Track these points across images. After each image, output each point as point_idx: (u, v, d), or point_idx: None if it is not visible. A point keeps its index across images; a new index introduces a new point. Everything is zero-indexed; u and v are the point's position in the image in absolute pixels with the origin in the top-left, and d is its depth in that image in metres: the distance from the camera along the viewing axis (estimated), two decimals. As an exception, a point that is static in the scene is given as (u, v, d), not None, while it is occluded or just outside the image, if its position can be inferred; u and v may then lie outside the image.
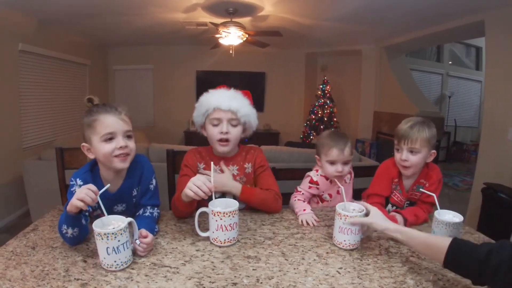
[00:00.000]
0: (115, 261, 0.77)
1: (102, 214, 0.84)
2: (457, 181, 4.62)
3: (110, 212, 0.85)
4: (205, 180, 0.95)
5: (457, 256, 0.71)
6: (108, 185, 0.90)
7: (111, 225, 0.81)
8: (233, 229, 0.92)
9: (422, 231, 0.84)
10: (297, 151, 2.58)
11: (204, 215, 0.96)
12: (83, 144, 0.98)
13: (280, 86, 5.65)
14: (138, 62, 5.36)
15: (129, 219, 0.83)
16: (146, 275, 0.77)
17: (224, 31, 3.20)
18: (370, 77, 4.86)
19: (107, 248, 0.76)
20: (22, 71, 3.08)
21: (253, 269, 0.81)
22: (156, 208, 1.08)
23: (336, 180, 1.20)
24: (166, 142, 3.37)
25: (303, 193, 1.27)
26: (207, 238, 0.95)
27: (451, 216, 0.98)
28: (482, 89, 6.11)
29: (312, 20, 3.45)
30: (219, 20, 3.22)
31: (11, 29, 2.85)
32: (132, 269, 0.79)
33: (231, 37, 3.25)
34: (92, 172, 1.00)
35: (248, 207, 1.20)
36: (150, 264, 0.81)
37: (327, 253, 0.90)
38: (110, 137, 0.93)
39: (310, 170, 1.33)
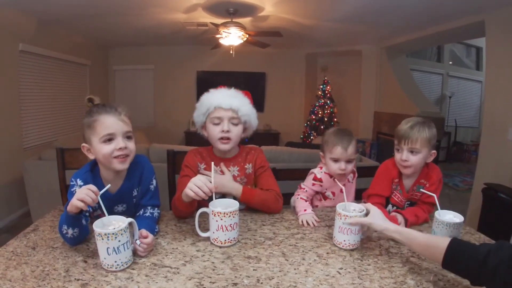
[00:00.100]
0: (115, 262, 0.77)
1: (102, 215, 0.84)
2: (458, 181, 4.62)
3: (111, 212, 0.85)
4: (205, 180, 0.95)
5: (456, 256, 0.71)
6: (109, 186, 0.90)
7: (111, 226, 0.81)
8: (234, 230, 0.92)
9: (423, 231, 0.85)
10: (297, 151, 2.58)
11: (205, 215, 0.96)
12: (83, 144, 0.98)
13: (281, 87, 5.65)
14: (138, 62, 5.37)
15: (130, 219, 0.83)
16: (147, 276, 0.77)
17: (225, 32, 3.20)
18: (370, 78, 4.86)
19: (108, 248, 0.76)
20: (23, 71, 3.09)
21: (253, 270, 0.81)
22: (156, 209, 1.08)
23: (336, 180, 1.20)
24: (167, 143, 3.37)
25: (306, 190, 1.26)
26: (208, 239, 0.95)
27: (452, 217, 0.98)
28: (482, 89, 6.11)
29: (313, 21, 3.45)
30: (219, 21, 3.23)
31: (11, 29, 2.85)
32: (133, 269, 0.79)
33: (232, 37, 3.25)
34: (92, 172, 1.00)
35: (248, 207, 1.20)
36: (150, 265, 0.81)
37: (327, 253, 0.90)
38: (110, 138, 0.93)
39: (310, 170, 1.33)
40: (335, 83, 5.29)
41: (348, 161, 1.22)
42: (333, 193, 1.30)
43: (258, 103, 5.10)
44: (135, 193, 1.05)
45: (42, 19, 3.07)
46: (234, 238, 0.93)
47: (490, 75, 2.83)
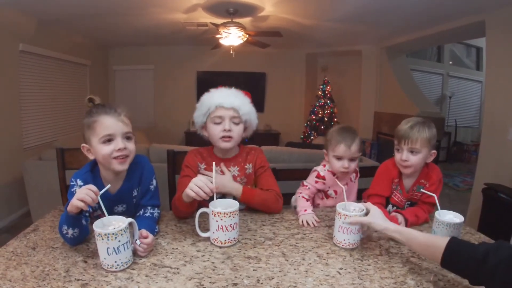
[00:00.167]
0: (115, 262, 0.77)
1: (102, 215, 0.84)
2: (458, 181, 4.62)
3: (111, 213, 0.85)
4: (206, 181, 0.95)
5: (455, 255, 0.71)
6: (109, 186, 0.90)
7: (111, 226, 0.81)
8: (234, 230, 0.92)
9: (423, 231, 0.84)
10: (297, 151, 2.58)
11: (205, 215, 0.96)
12: (83, 144, 0.98)
13: (281, 87, 5.65)
14: (138, 62, 5.37)
15: (130, 219, 0.83)
16: (147, 276, 0.77)
17: (225, 32, 3.20)
18: (370, 78, 4.86)
19: (108, 248, 0.76)
20: (23, 71, 3.09)
21: (253, 270, 0.81)
22: (156, 209, 1.08)
23: (337, 180, 1.20)
24: (167, 143, 3.38)
25: (309, 188, 1.26)
26: (208, 239, 0.95)
27: (452, 217, 0.98)
28: (482, 89, 6.11)
29: (313, 21, 3.45)
30: (219, 21, 3.23)
31: (11, 29, 2.85)
32: (133, 269, 0.79)
33: (232, 37, 3.25)
34: (92, 172, 1.00)
35: (249, 207, 1.20)
36: (150, 265, 0.81)
37: (327, 253, 0.90)
38: (109, 139, 0.93)
39: (310, 170, 1.32)
40: (335, 83, 5.29)
41: (351, 159, 1.21)
42: (335, 192, 1.29)
43: (258, 103, 5.11)
44: (135, 193, 1.05)
45: (42, 19, 3.07)
46: (234, 238, 0.93)
47: (490, 75, 2.83)
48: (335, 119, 5.09)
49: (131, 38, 4.50)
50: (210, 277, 0.76)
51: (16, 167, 2.79)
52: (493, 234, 1.02)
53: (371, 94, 4.89)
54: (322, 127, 5.06)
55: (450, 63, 6.19)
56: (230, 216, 0.90)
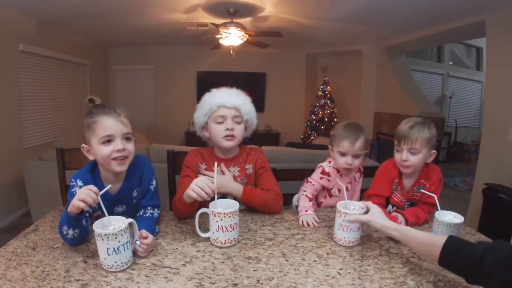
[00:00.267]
0: (115, 262, 0.77)
1: (102, 215, 0.84)
2: (458, 181, 4.62)
3: (111, 213, 0.85)
4: (207, 181, 0.95)
5: (452, 254, 0.70)
6: (109, 186, 0.90)
7: (111, 226, 0.81)
8: (234, 230, 0.92)
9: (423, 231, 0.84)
10: (297, 151, 2.58)
11: (205, 215, 0.96)
12: (83, 145, 0.98)
13: (281, 87, 5.65)
14: (138, 62, 5.37)
15: (130, 220, 0.83)
16: (147, 276, 0.77)
17: (225, 32, 3.20)
18: (370, 78, 4.86)
19: (108, 248, 0.76)
20: (23, 71, 3.09)
21: (253, 270, 0.81)
22: (156, 209, 1.08)
23: (338, 180, 1.20)
24: (167, 143, 3.38)
25: (313, 184, 1.25)
26: (208, 239, 0.95)
27: (452, 217, 0.98)
28: (482, 89, 6.11)
29: (313, 21, 3.45)
30: (219, 21, 3.23)
31: (11, 30, 2.85)
32: (133, 269, 0.79)
33: (232, 37, 3.25)
34: (92, 173, 1.00)
35: (249, 207, 1.20)
36: (150, 265, 0.81)
37: (327, 254, 0.90)
38: (108, 140, 0.93)
39: (310, 170, 1.32)
40: (335, 83, 5.29)
41: (355, 156, 1.21)
42: (339, 190, 1.29)
43: (258, 103, 5.12)
44: (135, 193, 1.05)
45: (42, 19, 3.07)
46: (234, 238, 0.93)
47: (490, 75, 2.83)
48: (335, 119, 5.09)
49: (131, 38, 4.50)
50: (210, 278, 0.76)
51: (16, 167, 2.79)
52: (493, 234, 1.02)
53: (371, 94, 4.89)
54: (322, 127, 5.06)
55: (450, 63, 6.19)
56: (230, 216, 0.90)
